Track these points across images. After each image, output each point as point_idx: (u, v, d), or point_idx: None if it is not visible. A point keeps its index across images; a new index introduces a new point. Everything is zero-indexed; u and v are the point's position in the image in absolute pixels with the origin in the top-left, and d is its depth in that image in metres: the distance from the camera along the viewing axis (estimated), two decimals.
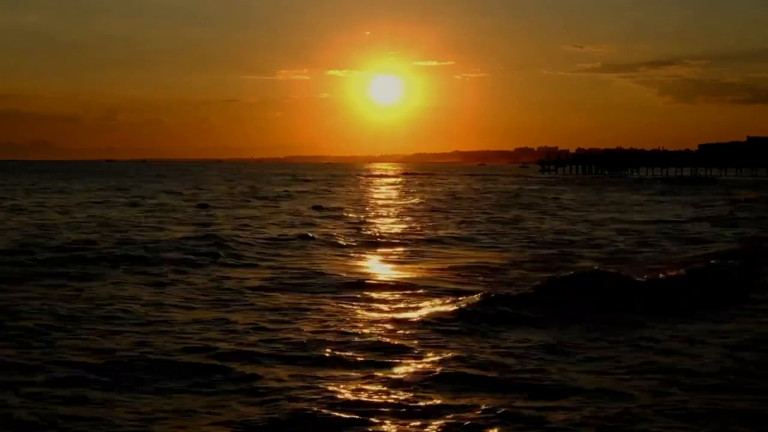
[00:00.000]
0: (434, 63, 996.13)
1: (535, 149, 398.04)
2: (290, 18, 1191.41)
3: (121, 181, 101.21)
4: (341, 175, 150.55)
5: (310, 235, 29.96)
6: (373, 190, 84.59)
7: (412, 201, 60.16)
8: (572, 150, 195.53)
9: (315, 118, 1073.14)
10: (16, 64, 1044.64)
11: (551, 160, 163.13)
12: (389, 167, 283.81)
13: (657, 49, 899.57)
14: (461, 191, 79.50)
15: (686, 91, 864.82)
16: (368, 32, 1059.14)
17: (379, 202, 58.10)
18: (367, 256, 24.75)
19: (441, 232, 32.37)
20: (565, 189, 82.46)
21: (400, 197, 67.15)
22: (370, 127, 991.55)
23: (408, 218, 41.44)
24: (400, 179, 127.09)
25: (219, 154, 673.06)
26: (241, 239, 27.96)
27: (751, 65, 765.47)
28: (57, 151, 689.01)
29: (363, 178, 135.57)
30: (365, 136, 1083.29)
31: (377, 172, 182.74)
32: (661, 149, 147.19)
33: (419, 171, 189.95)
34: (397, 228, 35.14)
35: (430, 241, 29.02)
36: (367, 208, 50.31)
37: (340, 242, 28.29)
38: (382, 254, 25.24)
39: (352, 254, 25.12)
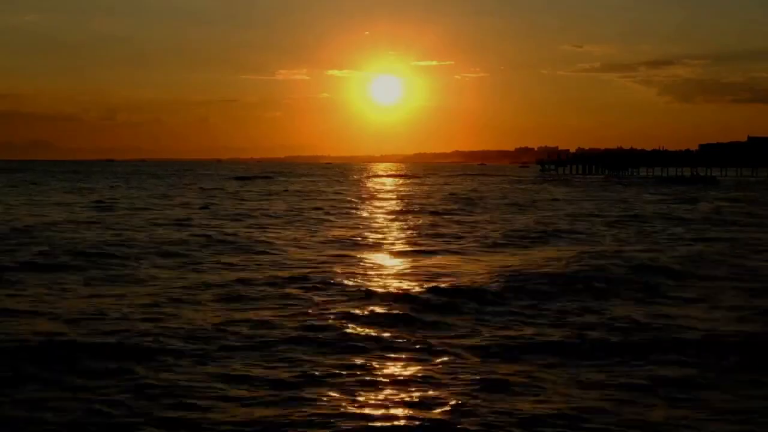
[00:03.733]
0: (434, 63, 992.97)
1: (535, 149, 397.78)
2: (290, 18, 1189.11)
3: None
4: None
5: None
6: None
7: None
8: (572, 150, 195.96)
9: (315, 118, 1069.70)
10: (16, 64, 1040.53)
11: (551, 159, 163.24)
12: (391, 167, 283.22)
13: (657, 49, 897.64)
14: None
15: (686, 91, 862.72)
16: (368, 32, 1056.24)
17: None
18: None
19: None
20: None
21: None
22: (370, 127, 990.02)
23: None
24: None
25: (219, 154, 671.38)
26: None
27: (752, 65, 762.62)
28: (57, 151, 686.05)
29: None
30: (365, 136, 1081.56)
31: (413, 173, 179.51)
32: (661, 149, 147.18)
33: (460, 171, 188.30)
34: None
35: None
36: None
37: None
38: None
39: None
